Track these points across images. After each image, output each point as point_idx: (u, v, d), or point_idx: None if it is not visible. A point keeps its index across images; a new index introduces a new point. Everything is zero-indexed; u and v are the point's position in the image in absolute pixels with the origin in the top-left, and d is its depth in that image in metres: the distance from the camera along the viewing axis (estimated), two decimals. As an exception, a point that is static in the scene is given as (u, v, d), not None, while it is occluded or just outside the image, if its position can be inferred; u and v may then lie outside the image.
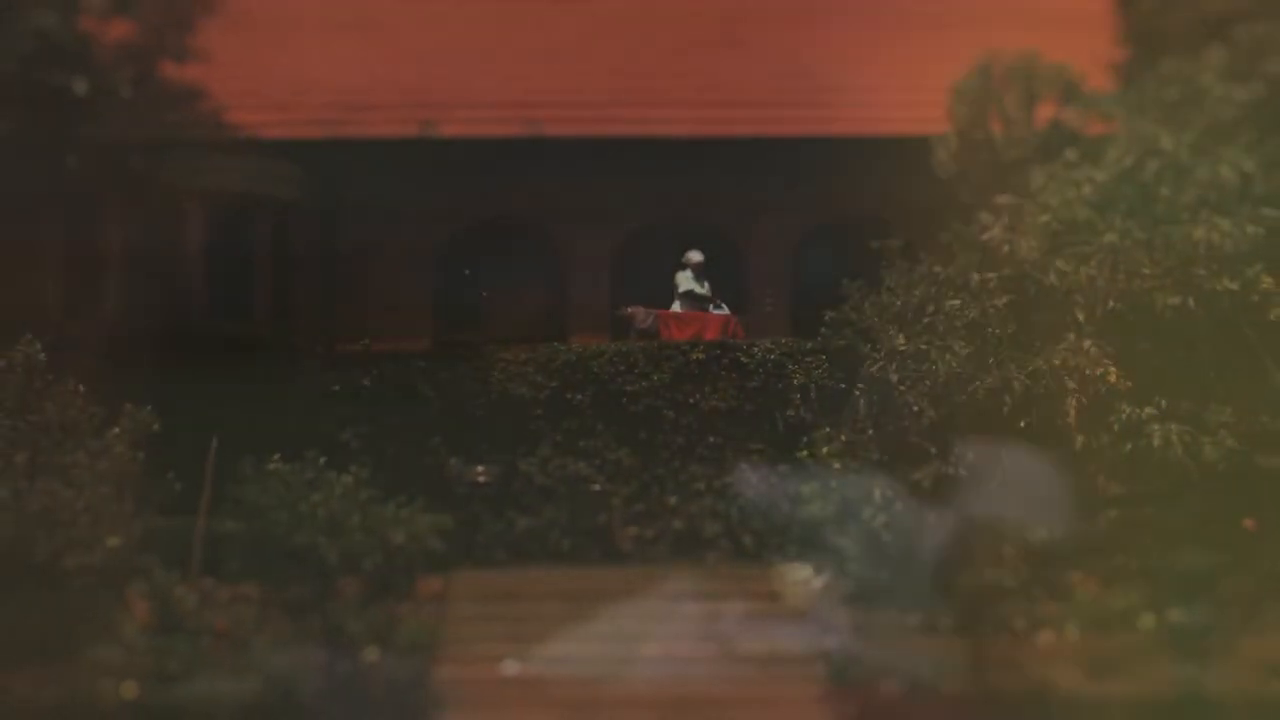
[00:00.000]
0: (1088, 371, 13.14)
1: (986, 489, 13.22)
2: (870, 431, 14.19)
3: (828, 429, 14.92)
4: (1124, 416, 13.07)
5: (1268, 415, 13.37)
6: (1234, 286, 12.95)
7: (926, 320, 13.87)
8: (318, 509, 13.62)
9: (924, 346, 13.68)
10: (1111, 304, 13.24)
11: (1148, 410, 13.04)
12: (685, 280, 18.08)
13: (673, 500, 15.56)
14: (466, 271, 18.92)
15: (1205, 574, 13.10)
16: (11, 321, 14.23)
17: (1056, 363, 13.19)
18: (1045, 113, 15.40)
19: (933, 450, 13.46)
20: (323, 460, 14.05)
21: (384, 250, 18.58)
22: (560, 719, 12.53)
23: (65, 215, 17.06)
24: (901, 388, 13.72)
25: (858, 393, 14.64)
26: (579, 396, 16.11)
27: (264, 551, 13.60)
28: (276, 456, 14.01)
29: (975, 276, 13.72)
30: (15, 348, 13.57)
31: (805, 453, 15.00)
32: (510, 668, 13.07)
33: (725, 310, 17.96)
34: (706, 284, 18.15)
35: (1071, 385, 13.19)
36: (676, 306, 17.98)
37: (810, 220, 18.97)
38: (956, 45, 16.29)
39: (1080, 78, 15.28)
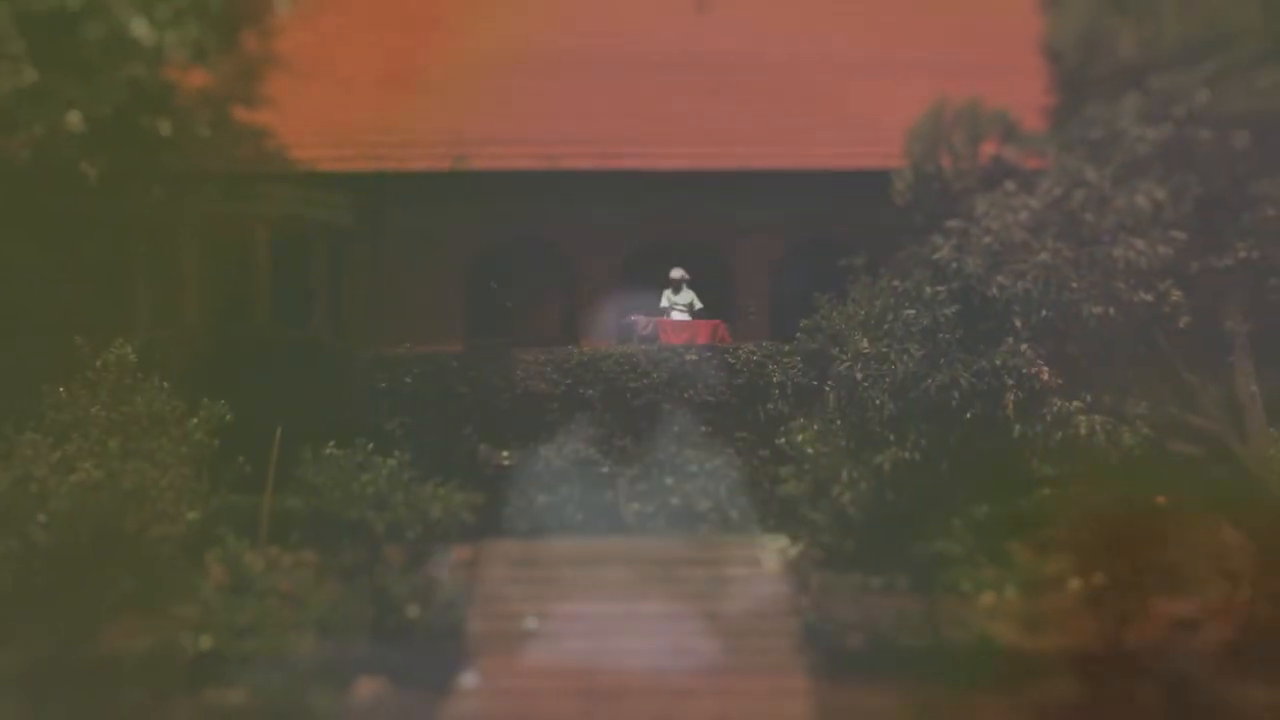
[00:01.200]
0: (1024, 370, 13.13)
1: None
2: (838, 421, 14.15)
3: (802, 419, 14.93)
4: (1055, 409, 13.06)
5: (1176, 408, 13.45)
6: (1149, 298, 12.95)
7: (886, 327, 13.84)
8: (367, 487, 13.72)
9: (884, 349, 13.66)
10: (1044, 313, 13.21)
11: (1075, 403, 13.04)
12: (665, 297, 18.16)
13: (669, 480, 15.56)
14: (493, 284, 18.87)
15: (1123, 543, 13.22)
16: (106, 327, 14.37)
17: (997, 363, 13.17)
18: (988, 150, 15.35)
19: (891, 438, 13.51)
20: (371, 446, 14.15)
21: (422, 266, 18.47)
22: (571, 664, 12.66)
23: (152, 237, 17.09)
24: (865, 384, 13.70)
25: (828, 388, 14.62)
26: (589, 392, 16.17)
27: (321, 524, 13.71)
28: (332, 443, 14.11)
29: (928, 289, 13.69)
30: (110, 350, 13.61)
31: (783, 440, 15.02)
32: (531, 622, 13.18)
33: (680, 315, 17.93)
34: (686, 292, 18.11)
35: (1010, 382, 13.18)
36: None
37: (788, 241, 18.85)
38: (912, 92, 16.36)
39: (1018, 120, 15.28)
